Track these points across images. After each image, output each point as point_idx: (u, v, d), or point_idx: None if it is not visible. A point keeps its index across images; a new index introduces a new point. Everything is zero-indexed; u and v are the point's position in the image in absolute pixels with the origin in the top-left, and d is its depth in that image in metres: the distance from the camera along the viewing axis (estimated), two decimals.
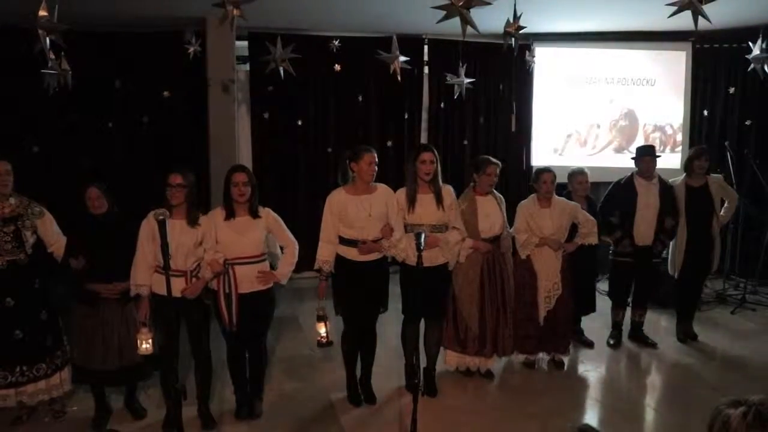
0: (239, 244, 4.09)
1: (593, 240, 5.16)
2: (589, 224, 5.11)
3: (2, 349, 4.05)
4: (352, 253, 4.34)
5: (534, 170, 5.26)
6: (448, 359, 4.97)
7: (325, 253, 4.35)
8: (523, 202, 5.14)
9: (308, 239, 7.94)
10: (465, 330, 4.83)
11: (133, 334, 4.09)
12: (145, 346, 3.79)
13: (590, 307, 5.75)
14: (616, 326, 5.83)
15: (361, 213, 4.30)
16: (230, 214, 4.11)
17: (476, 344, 4.86)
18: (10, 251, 4.01)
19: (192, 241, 4.01)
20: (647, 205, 5.49)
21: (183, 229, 4.00)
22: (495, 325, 4.86)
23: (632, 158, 5.74)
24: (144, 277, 3.98)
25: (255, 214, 4.15)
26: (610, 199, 5.71)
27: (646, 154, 5.59)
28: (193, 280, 4.03)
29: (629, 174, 5.67)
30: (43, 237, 4.19)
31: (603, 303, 6.06)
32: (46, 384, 4.20)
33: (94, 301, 4.06)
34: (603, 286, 6.86)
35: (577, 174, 5.53)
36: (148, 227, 3.95)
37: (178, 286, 3.92)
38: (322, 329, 4.27)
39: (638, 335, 5.80)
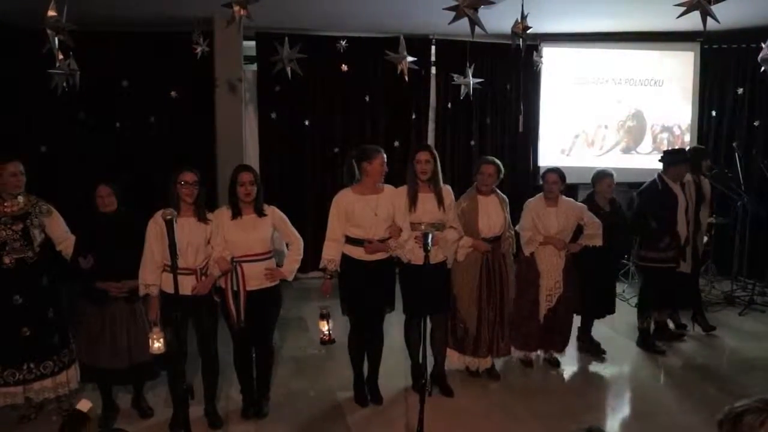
0: (247, 242, 4.12)
1: (597, 242, 5.15)
2: (595, 226, 5.11)
3: (10, 347, 4.06)
4: (358, 253, 4.35)
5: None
6: (450, 358, 4.97)
7: (331, 252, 4.37)
8: (530, 200, 5.19)
9: (315, 239, 7.91)
10: (463, 330, 4.84)
11: (144, 333, 4.11)
12: (157, 345, 3.77)
13: (609, 309, 5.66)
14: (664, 329, 5.76)
15: (368, 213, 4.31)
16: (236, 213, 4.14)
17: (472, 344, 4.87)
18: (19, 249, 4.02)
19: (202, 238, 4.04)
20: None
21: (193, 226, 4.02)
22: (492, 325, 4.87)
23: (664, 161, 5.66)
24: (152, 276, 3.99)
25: (261, 213, 4.18)
26: (648, 203, 5.61)
27: (684, 161, 5.60)
28: (203, 278, 4.05)
29: (656, 178, 5.62)
30: (50, 235, 4.20)
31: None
32: (53, 382, 4.21)
33: (102, 299, 4.07)
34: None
35: (604, 176, 5.43)
36: (155, 226, 3.95)
37: (188, 284, 3.95)
38: (324, 326, 4.26)
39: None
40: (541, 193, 5.13)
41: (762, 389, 4.73)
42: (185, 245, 3.92)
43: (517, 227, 5.10)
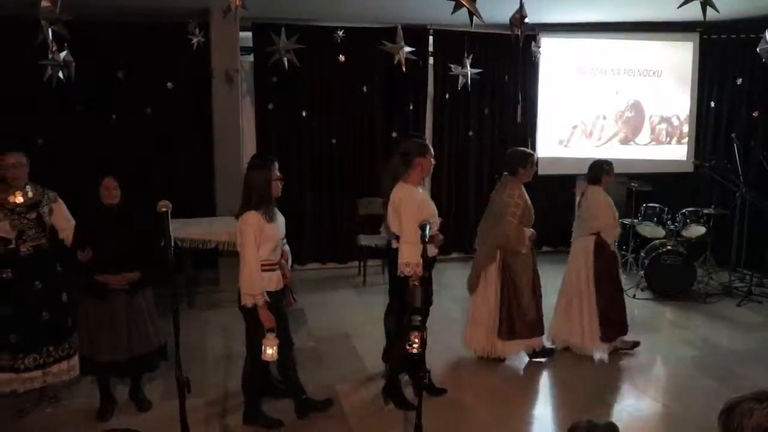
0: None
1: None
2: None
3: (32, 332, 4.16)
4: (432, 251, 4.16)
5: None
6: (510, 348, 5.05)
7: (418, 255, 3.94)
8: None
9: (312, 230, 7.94)
10: (522, 317, 4.98)
11: (143, 325, 4.19)
12: (270, 351, 3.69)
13: None
14: None
15: (434, 207, 4.28)
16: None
17: (539, 325, 5.10)
18: (34, 237, 4.13)
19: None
20: None
21: (281, 220, 4.04)
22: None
23: None
24: (261, 283, 3.82)
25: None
26: None
27: None
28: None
29: None
30: (54, 223, 4.26)
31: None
32: (68, 365, 4.34)
33: (102, 292, 4.06)
34: None
35: None
36: (255, 225, 3.79)
37: (278, 278, 4.00)
38: (417, 339, 3.64)
39: None
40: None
41: (760, 381, 4.73)
42: (279, 240, 3.96)
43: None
